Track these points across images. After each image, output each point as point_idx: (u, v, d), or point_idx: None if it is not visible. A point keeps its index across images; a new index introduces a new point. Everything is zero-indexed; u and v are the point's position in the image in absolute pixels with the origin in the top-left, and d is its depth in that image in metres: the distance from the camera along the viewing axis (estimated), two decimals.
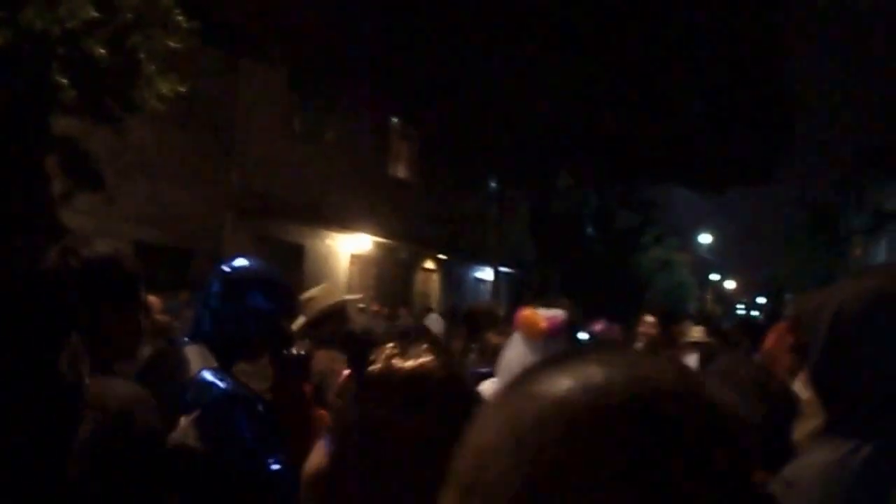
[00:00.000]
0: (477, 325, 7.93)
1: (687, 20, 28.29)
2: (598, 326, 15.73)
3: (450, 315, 22.11)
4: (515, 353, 5.27)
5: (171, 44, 11.63)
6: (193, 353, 3.76)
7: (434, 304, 29.62)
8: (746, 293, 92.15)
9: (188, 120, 19.13)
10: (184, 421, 3.41)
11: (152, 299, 8.52)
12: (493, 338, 6.51)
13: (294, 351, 3.96)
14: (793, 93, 33.48)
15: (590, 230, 40.18)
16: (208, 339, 3.82)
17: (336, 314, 7.68)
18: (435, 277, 32.37)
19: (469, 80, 27.42)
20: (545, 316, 5.27)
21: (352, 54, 24.50)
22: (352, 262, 26.17)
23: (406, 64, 26.52)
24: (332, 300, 7.93)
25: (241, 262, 3.95)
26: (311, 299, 7.58)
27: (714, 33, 28.81)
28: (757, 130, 31.81)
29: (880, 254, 48.55)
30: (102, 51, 10.27)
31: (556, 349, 5.29)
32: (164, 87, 11.78)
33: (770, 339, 5.56)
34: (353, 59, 24.57)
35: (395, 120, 29.21)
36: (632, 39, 27.76)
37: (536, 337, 5.17)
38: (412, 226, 28.57)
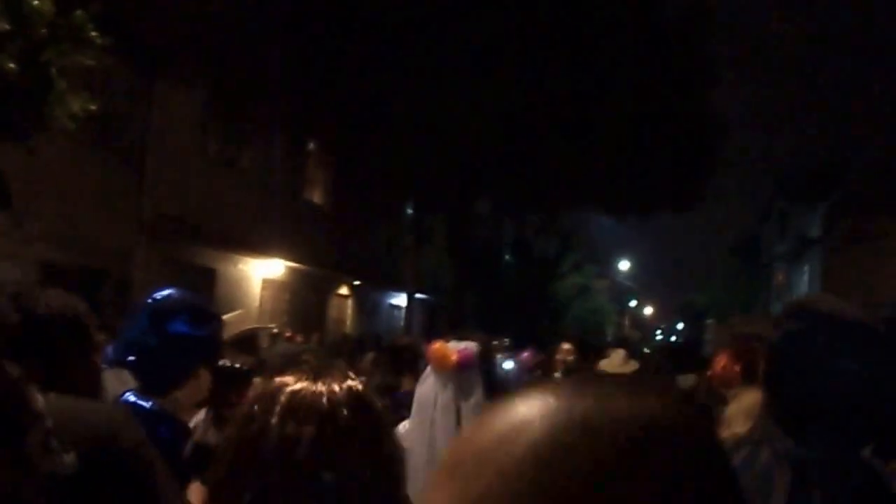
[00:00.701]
0: (400, 362, 7.94)
1: (610, 45, 28.33)
2: (525, 355, 15.86)
3: (360, 342, 22.08)
4: (427, 387, 5.31)
5: (85, 60, 11.51)
6: (110, 378, 3.81)
7: (348, 330, 29.62)
8: (665, 319, 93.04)
9: (101, 140, 18.89)
10: None
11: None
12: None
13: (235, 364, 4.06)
14: (716, 118, 33.59)
15: (507, 257, 40.35)
16: (132, 368, 3.87)
17: (246, 341, 7.73)
18: (349, 303, 32.30)
19: (387, 105, 27.44)
20: (456, 349, 5.33)
21: (267, 77, 24.47)
22: (264, 287, 25.99)
23: (322, 87, 26.51)
24: (244, 326, 7.98)
25: (165, 292, 4.04)
26: (224, 323, 7.58)
27: (637, 57, 28.87)
28: (679, 156, 31.90)
29: (802, 280, 49.28)
30: (13, 65, 10.16)
31: (468, 382, 5.35)
32: (76, 106, 11.64)
33: (719, 364, 6.05)
34: (268, 83, 24.53)
35: (310, 144, 29.15)
36: (553, 63, 27.81)
37: (447, 370, 5.22)
38: (326, 251, 28.50)
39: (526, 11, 27.13)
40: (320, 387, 2.23)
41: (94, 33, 11.32)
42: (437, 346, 5.31)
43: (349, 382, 2.30)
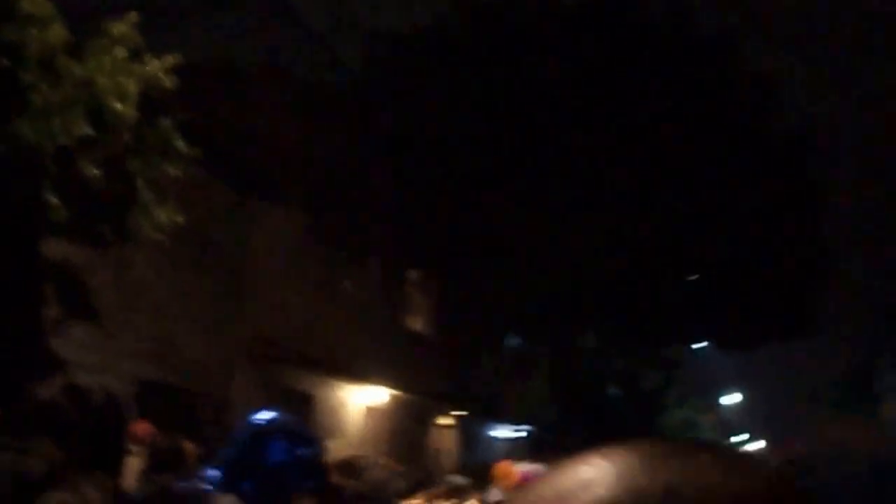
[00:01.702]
0: None
1: (718, 173, 28.05)
2: None
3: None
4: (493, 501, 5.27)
5: (172, 170, 11.55)
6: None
7: (449, 462, 29.25)
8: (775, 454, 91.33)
9: (198, 258, 19.06)
10: None
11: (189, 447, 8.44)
12: None
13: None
14: (827, 245, 32.97)
15: (613, 390, 39.88)
16: (241, 492, 3.92)
17: (348, 466, 7.71)
18: (451, 434, 31.96)
19: (491, 233, 27.44)
20: (521, 469, 5.27)
21: (369, 200, 24.61)
22: (367, 414, 25.88)
23: (425, 214, 26.61)
24: (343, 454, 8.00)
25: (267, 415, 4.19)
26: None
27: (746, 184, 28.55)
28: (786, 283, 31.31)
29: None
30: (97, 171, 10.18)
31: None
32: (162, 216, 11.68)
33: None
34: (370, 206, 24.66)
35: (411, 272, 29.14)
36: (661, 192, 27.61)
37: (510, 488, 5.15)
38: (427, 380, 28.34)
39: (631, 140, 27.08)
40: None
41: (180, 142, 11.35)
42: (503, 464, 5.38)
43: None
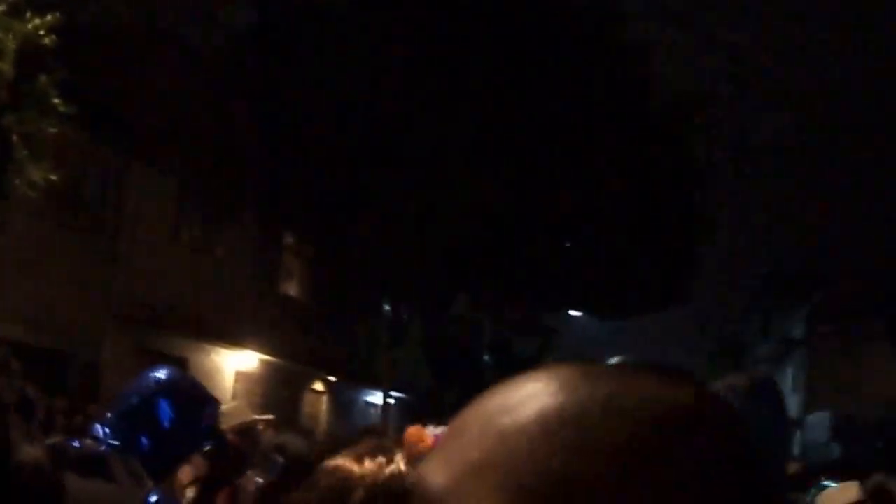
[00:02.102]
0: None
1: (595, 143, 28.25)
2: None
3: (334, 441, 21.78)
4: None
5: (48, 128, 11.40)
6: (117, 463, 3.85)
7: (322, 427, 29.29)
8: None
9: (73, 220, 18.80)
10: None
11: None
12: None
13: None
14: (702, 217, 33.37)
15: (486, 357, 40.09)
16: (136, 451, 3.87)
17: (245, 432, 7.65)
18: (324, 399, 31.96)
19: (366, 198, 27.39)
20: (432, 433, 5.25)
21: (245, 166, 24.45)
22: (237, 380, 25.76)
23: (299, 178, 26.48)
24: (242, 418, 7.89)
25: (161, 374, 4.09)
26: (224, 414, 7.53)
27: (623, 156, 28.82)
28: (664, 255, 31.71)
29: (786, 382, 49.17)
30: None
31: None
32: (37, 174, 11.50)
33: None
34: (246, 172, 24.51)
35: (287, 236, 29.02)
36: (535, 161, 27.76)
37: (422, 453, 5.13)
38: (302, 345, 28.30)
39: (510, 108, 27.18)
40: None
41: (57, 100, 11.21)
42: (413, 429, 5.32)
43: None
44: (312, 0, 27.45)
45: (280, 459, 7.41)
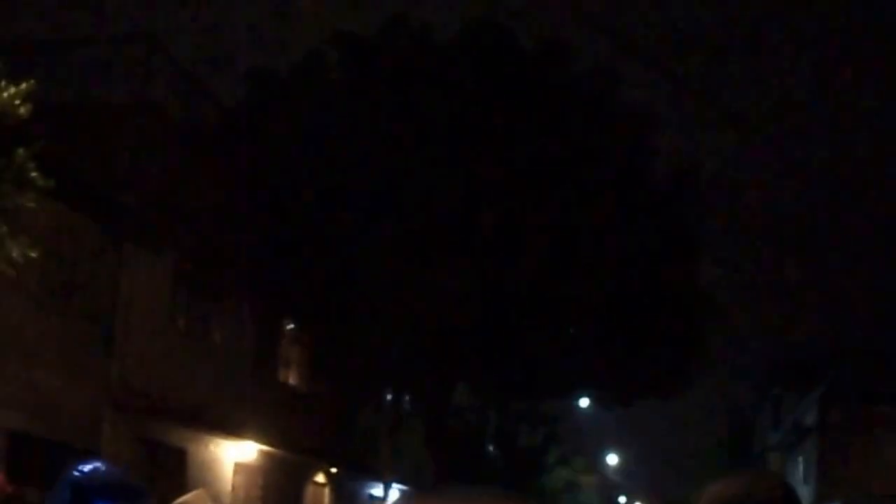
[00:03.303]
0: None
1: (593, 224, 28.15)
2: None
3: None
4: None
5: (26, 203, 11.45)
6: None
7: None
8: None
9: (67, 303, 18.86)
10: None
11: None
12: None
13: None
14: (707, 301, 33.07)
15: (490, 448, 40.07)
16: None
17: None
18: (326, 492, 31.84)
19: (366, 286, 27.44)
20: None
21: (243, 252, 24.57)
22: (237, 471, 25.70)
23: (299, 268, 26.59)
24: None
25: (89, 466, 4.07)
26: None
27: (622, 235, 28.88)
28: (667, 340, 31.42)
29: (797, 470, 48.92)
30: None
31: None
32: (15, 251, 11.53)
33: None
34: (244, 258, 24.63)
35: (285, 323, 29.10)
36: (533, 243, 27.66)
37: None
38: (302, 436, 28.28)
39: (510, 188, 27.19)
40: None
41: (35, 174, 11.29)
42: None
43: None
44: (307, 79, 27.70)
45: None
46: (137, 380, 21.13)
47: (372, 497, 35.81)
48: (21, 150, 11.28)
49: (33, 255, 11.99)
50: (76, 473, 3.91)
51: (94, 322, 20.06)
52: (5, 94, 11.29)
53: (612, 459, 68.67)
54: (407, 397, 34.72)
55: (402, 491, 35.61)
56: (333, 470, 31.45)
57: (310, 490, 30.83)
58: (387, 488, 34.55)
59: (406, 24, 28.28)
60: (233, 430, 24.62)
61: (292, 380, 29.80)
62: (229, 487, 25.24)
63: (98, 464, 3.97)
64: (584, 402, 39.58)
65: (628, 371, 32.43)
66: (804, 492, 46.37)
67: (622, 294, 29.17)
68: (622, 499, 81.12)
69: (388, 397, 34.82)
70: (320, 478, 31.29)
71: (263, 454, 26.54)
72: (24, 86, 11.52)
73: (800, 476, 48.24)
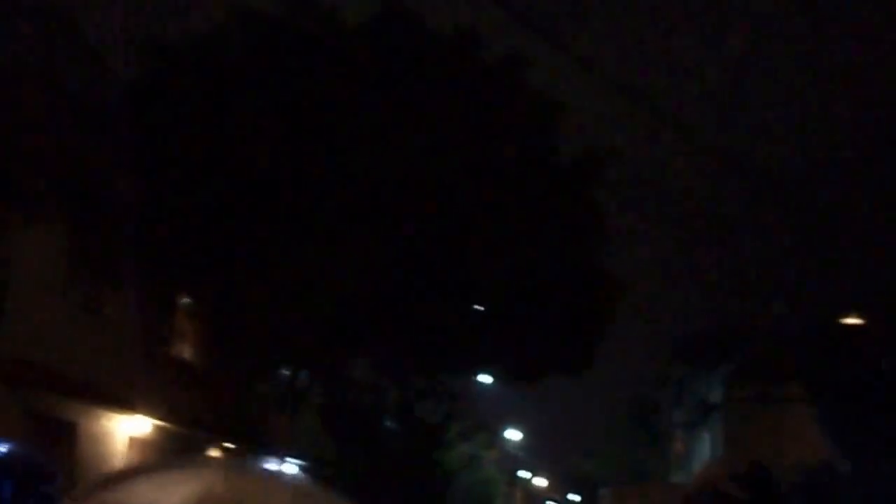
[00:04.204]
0: None
1: (495, 195, 28.72)
2: None
3: None
4: None
5: None
6: None
7: None
8: (558, 490, 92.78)
9: None
10: None
11: None
12: None
13: None
14: (609, 275, 33.36)
15: (389, 424, 40.26)
16: None
17: None
18: None
19: (260, 258, 27.50)
20: None
21: (136, 223, 24.54)
22: (130, 446, 25.77)
23: (193, 239, 26.60)
24: None
25: (2, 448, 4.37)
26: None
27: (525, 209, 29.13)
28: (569, 317, 31.80)
29: (703, 448, 49.73)
30: None
31: None
32: None
33: None
34: (137, 229, 24.59)
35: (179, 296, 29.09)
36: (432, 212, 27.81)
37: None
38: (198, 410, 28.37)
39: (411, 160, 27.32)
40: None
41: None
42: None
43: None
44: (204, 52, 27.65)
45: None
46: (27, 353, 21.10)
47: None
48: None
49: None
50: None
51: None
52: None
53: (514, 435, 69.26)
54: (304, 372, 34.86)
55: (301, 465, 35.92)
56: (229, 445, 31.55)
57: None
58: (282, 463, 34.78)
59: (314, 4, 28.34)
60: (126, 404, 24.65)
61: (187, 354, 29.86)
62: (122, 462, 25.28)
63: (8, 445, 4.28)
64: (485, 378, 39.89)
65: (530, 348, 32.75)
66: None
67: (524, 271, 29.48)
68: (524, 473, 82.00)
69: (285, 372, 34.97)
70: (215, 453, 31.37)
71: (158, 429, 26.56)
72: None
73: (706, 452, 49.11)
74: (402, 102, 27.46)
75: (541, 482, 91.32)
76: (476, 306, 31.43)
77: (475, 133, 28.17)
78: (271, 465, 35.07)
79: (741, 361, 44.37)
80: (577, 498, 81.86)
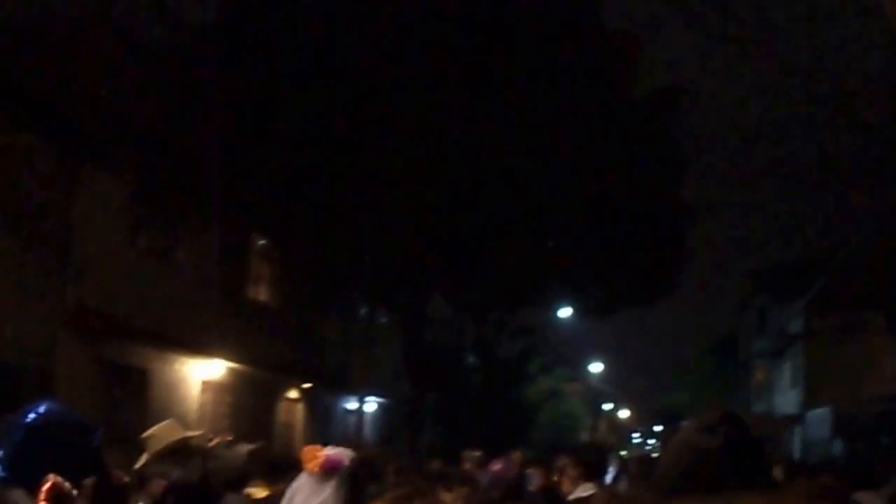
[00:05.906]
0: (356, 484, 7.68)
1: (574, 130, 28.05)
2: (496, 466, 15.53)
3: None
4: (296, 486, 5.43)
5: None
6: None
7: (299, 436, 29.27)
8: (642, 422, 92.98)
9: (18, 225, 18.57)
10: None
11: None
12: None
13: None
14: (685, 205, 33.16)
15: (471, 359, 40.09)
16: (29, 485, 3.98)
17: (180, 451, 7.74)
18: (299, 408, 31.83)
19: (335, 199, 27.30)
20: (327, 453, 5.40)
21: (207, 167, 24.27)
22: (204, 389, 25.60)
23: (268, 180, 26.39)
24: (173, 437, 7.96)
25: (41, 409, 4.21)
26: (151, 436, 7.68)
27: (602, 143, 28.76)
28: (647, 247, 31.53)
29: (784, 377, 49.14)
30: None
31: (330, 486, 5.45)
32: None
33: None
34: (208, 172, 24.33)
35: (254, 238, 28.81)
36: (512, 150, 27.52)
37: (312, 470, 5.33)
38: (273, 352, 28.18)
39: (488, 99, 27.05)
40: None
41: None
42: (309, 447, 5.43)
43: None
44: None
45: None
46: (95, 301, 20.90)
47: (347, 411, 35.90)
48: None
49: None
50: (29, 417, 4.03)
51: (48, 244, 19.81)
52: None
53: (596, 368, 69.09)
54: (381, 310, 34.71)
55: (379, 403, 35.78)
56: (306, 385, 31.41)
57: (282, 406, 30.80)
58: (361, 401, 34.68)
59: None
60: (199, 348, 24.47)
61: (262, 296, 29.60)
62: (196, 406, 25.17)
63: (49, 405, 4.07)
64: (565, 312, 39.61)
65: (609, 279, 32.59)
66: (791, 397, 46.73)
67: (602, 203, 29.24)
68: (607, 405, 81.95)
69: (363, 311, 34.81)
70: (293, 393, 31.25)
71: (232, 372, 26.41)
72: None
73: (787, 382, 48.53)
74: (486, 39, 27.08)
75: (625, 414, 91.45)
76: (552, 240, 31.13)
77: (554, 68, 27.77)
78: (351, 403, 35.06)
79: (822, 291, 43.60)
80: (660, 428, 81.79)
